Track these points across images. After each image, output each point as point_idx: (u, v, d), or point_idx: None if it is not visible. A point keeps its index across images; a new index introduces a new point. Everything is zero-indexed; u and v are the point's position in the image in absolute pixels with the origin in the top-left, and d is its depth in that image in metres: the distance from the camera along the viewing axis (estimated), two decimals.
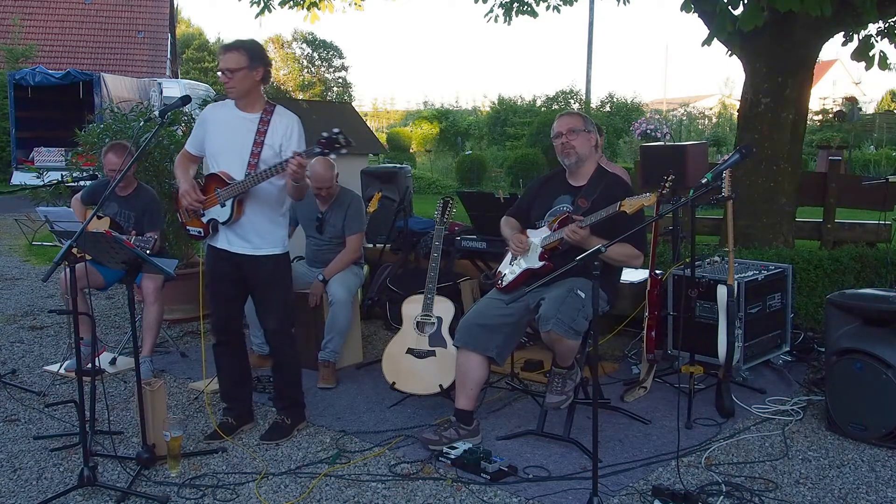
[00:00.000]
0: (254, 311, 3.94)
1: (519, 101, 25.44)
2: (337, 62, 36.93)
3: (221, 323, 3.80)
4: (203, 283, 3.73)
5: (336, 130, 3.27)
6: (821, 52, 6.20)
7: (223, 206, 3.58)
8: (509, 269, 3.83)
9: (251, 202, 3.58)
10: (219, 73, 3.55)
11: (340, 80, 37.09)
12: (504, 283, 3.80)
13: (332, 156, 3.41)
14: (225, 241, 3.65)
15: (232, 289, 3.73)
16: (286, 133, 3.57)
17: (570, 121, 3.79)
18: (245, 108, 3.59)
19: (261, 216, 3.61)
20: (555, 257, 3.64)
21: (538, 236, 3.75)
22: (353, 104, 15.35)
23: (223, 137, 3.61)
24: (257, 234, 3.62)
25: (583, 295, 3.48)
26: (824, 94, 24.38)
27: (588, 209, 3.62)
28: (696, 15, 6.00)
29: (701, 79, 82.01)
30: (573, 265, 3.07)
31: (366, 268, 5.33)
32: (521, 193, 4.27)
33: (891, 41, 6.25)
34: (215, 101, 4.20)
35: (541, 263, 3.67)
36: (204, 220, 3.67)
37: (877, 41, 5.68)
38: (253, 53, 3.51)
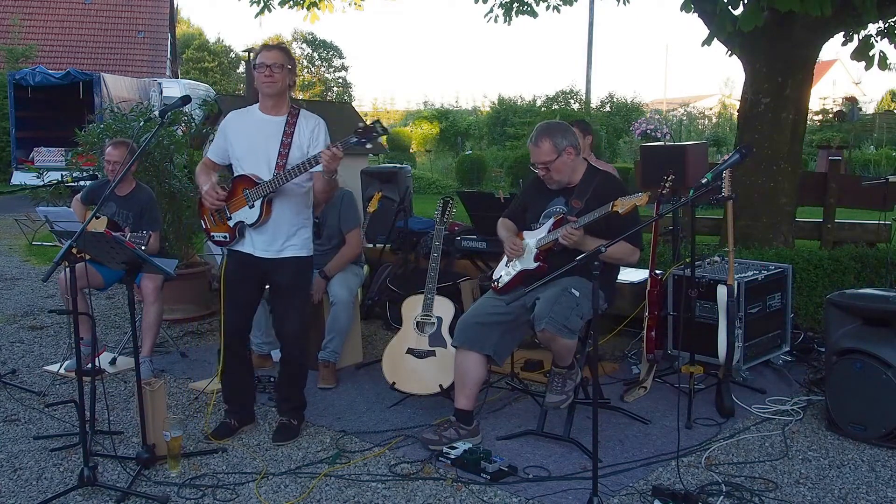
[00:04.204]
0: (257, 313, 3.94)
1: (519, 101, 25.47)
2: (337, 62, 37.00)
3: (233, 328, 3.74)
4: (224, 288, 3.69)
5: (375, 120, 3.40)
6: (821, 52, 6.21)
7: (252, 206, 3.55)
8: (505, 272, 3.83)
9: (279, 204, 3.57)
10: (260, 70, 3.49)
11: (340, 80, 37.14)
12: (500, 285, 3.81)
13: (368, 144, 3.41)
14: (250, 245, 3.62)
15: (250, 294, 3.74)
16: (313, 133, 3.59)
17: (539, 153, 3.67)
18: (271, 111, 3.60)
19: (287, 219, 3.61)
20: (550, 258, 3.65)
21: (534, 237, 3.76)
22: (353, 104, 15.33)
23: (248, 141, 3.61)
24: (283, 237, 3.61)
25: (577, 293, 3.48)
26: (824, 94, 24.34)
27: (582, 209, 3.62)
28: (696, 15, 6.01)
29: (701, 79, 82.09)
30: (573, 265, 3.06)
31: (366, 268, 5.33)
32: (517, 193, 4.25)
33: (891, 41, 6.25)
34: (215, 101, 4.20)
35: (536, 264, 3.68)
36: (231, 223, 3.63)
37: (877, 41, 5.69)
38: (292, 58, 3.59)
